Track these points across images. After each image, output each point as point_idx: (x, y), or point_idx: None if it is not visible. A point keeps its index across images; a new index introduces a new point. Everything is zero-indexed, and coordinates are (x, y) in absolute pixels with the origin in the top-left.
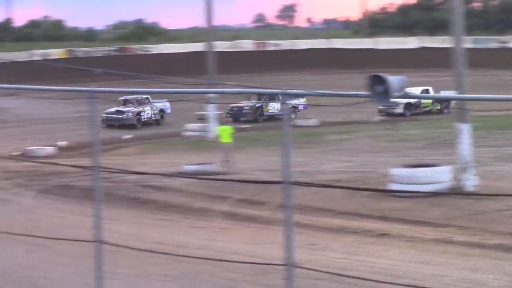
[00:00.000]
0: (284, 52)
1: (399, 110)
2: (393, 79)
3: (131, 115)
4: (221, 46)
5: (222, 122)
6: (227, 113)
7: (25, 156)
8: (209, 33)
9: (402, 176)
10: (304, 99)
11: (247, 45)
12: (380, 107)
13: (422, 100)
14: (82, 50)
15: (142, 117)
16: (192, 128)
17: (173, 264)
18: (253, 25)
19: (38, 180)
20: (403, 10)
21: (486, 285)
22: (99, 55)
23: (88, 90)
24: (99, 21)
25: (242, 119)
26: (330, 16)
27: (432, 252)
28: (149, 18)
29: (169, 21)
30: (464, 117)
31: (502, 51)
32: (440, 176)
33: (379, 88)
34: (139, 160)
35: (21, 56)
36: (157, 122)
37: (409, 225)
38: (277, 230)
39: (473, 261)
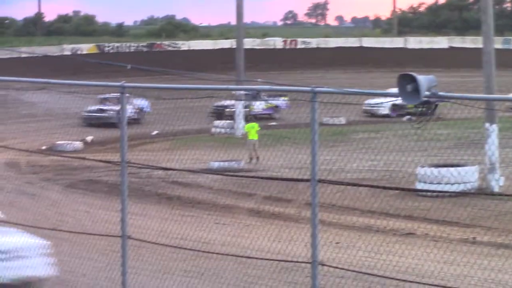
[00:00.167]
0: (314, 50)
1: (385, 111)
2: (423, 79)
3: (113, 114)
4: (250, 43)
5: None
6: (210, 112)
7: (53, 151)
8: (239, 30)
9: (429, 176)
10: (287, 97)
11: (276, 42)
12: (365, 108)
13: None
14: (112, 46)
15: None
16: (219, 125)
17: (197, 260)
18: (283, 22)
19: (65, 174)
20: (433, 9)
21: (510, 286)
22: (128, 50)
23: (119, 86)
24: (130, 16)
25: (226, 118)
26: (360, 14)
27: (456, 252)
28: (179, 15)
29: (199, 18)
30: (492, 118)
31: None
32: (466, 176)
33: (409, 87)
34: (166, 156)
35: (51, 50)
36: (136, 121)
37: (434, 224)
38: (302, 228)
39: (497, 261)
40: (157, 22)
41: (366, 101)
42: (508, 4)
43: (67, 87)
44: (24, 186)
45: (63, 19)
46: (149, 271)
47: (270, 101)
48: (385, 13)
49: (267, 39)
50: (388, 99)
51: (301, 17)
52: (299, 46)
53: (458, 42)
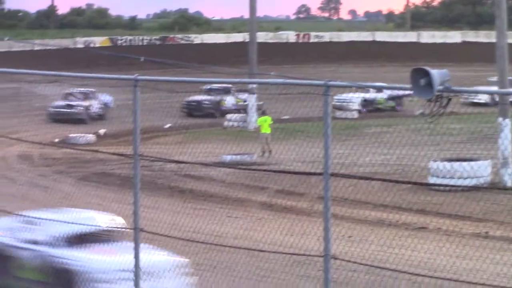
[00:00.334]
0: (327, 44)
1: (355, 106)
2: (436, 73)
3: (82, 110)
4: (263, 37)
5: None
6: (182, 108)
7: (66, 143)
8: (252, 23)
9: (441, 170)
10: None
11: (289, 36)
12: (334, 103)
13: (377, 97)
14: (125, 39)
15: (90, 111)
16: (232, 118)
17: (209, 254)
18: (296, 16)
19: (78, 167)
20: (446, 4)
21: None
22: (141, 43)
23: (132, 78)
24: (142, 10)
25: (197, 113)
26: (373, 8)
27: (469, 246)
28: (192, 8)
29: (212, 11)
30: (505, 112)
31: None
32: (479, 171)
33: (422, 82)
34: (179, 149)
35: (64, 43)
36: (100, 117)
37: (447, 219)
38: (314, 222)
39: (509, 256)
40: (170, 16)
41: (336, 96)
42: None
43: (80, 80)
44: (37, 178)
45: (76, 12)
46: None
47: (239, 96)
48: (398, 7)
49: (280, 32)
50: (357, 94)
51: (314, 11)
52: (312, 40)
53: (472, 36)
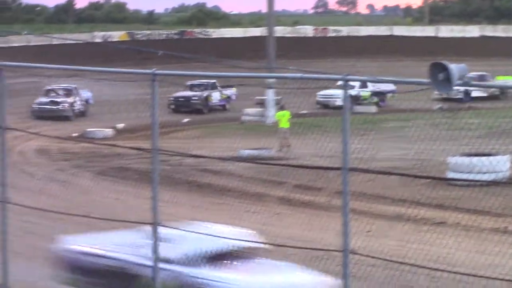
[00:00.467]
0: (345, 39)
1: (339, 102)
2: (455, 67)
3: (67, 106)
4: (281, 31)
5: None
6: (169, 104)
7: (84, 137)
8: (270, 18)
9: (460, 165)
10: (235, 89)
11: (307, 30)
12: (318, 99)
13: (361, 93)
14: (143, 33)
15: (75, 108)
16: (250, 112)
17: None
18: (314, 11)
19: (96, 161)
20: None
21: None
22: (159, 38)
23: (150, 73)
24: (160, 4)
25: (184, 109)
26: (391, 3)
27: (488, 241)
28: (209, 2)
29: (230, 6)
30: None
31: None
32: (498, 166)
33: (440, 76)
34: (197, 144)
35: (82, 38)
36: (82, 114)
37: (466, 214)
38: (332, 216)
39: None
40: (188, 10)
41: (320, 92)
42: None
43: (98, 74)
44: (55, 173)
45: (94, 6)
46: None
47: (223, 92)
48: (416, 2)
49: (298, 27)
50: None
51: (332, 6)
52: (330, 35)
53: (490, 31)
